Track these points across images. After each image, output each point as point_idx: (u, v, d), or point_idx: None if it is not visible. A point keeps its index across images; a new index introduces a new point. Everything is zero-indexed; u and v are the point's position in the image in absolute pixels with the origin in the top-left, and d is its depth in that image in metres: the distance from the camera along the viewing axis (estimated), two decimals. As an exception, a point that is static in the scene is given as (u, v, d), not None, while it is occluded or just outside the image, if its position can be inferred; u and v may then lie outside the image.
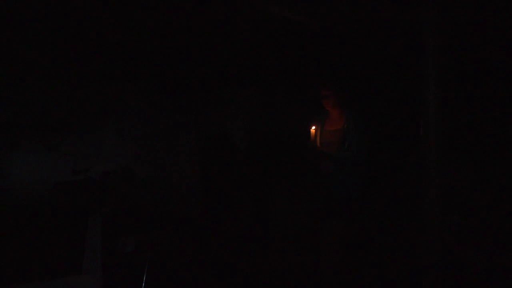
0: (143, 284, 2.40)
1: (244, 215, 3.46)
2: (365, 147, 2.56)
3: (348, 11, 2.56)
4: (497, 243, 2.83)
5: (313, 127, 2.60)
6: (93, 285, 1.93)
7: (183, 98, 3.38)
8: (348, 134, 2.55)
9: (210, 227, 3.28)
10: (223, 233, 3.26)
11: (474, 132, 3.27)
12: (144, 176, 3.05)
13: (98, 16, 2.58)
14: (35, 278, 1.96)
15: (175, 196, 3.13)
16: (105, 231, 2.32)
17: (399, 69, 3.33)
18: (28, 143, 2.72)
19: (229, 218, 3.40)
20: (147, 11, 2.55)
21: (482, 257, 2.77)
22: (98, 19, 2.62)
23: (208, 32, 2.86)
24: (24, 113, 2.72)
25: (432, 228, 1.92)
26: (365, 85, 3.60)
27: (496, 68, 3.13)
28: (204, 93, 3.52)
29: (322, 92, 2.63)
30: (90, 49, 2.88)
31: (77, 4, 2.42)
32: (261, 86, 3.63)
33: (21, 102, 2.71)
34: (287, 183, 3.40)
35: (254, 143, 3.59)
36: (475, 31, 2.76)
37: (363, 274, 2.84)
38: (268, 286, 2.79)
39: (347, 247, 2.57)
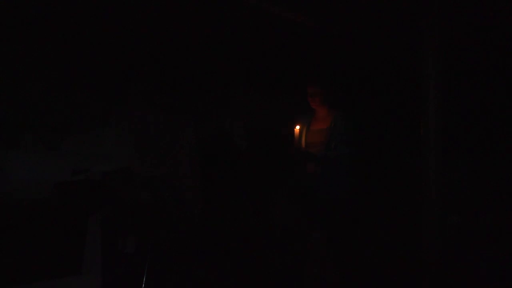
0: (143, 285, 2.40)
1: (244, 215, 3.46)
2: (352, 148, 2.44)
3: (348, 11, 2.56)
4: (497, 243, 2.83)
5: (297, 126, 2.47)
6: (93, 285, 1.93)
7: (183, 98, 3.38)
8: (334, 134, 2.44)
9: (210, 227, 3.27)
10: (223, 233, 3.26)
11: (474, 132, 3.27)
12: (144, 176, 3.05)
13: (98, 15, 2.58)
14: (35, 278, 1.96)
15: (175, 196, 3.12)
16: (105, 231, 2.32)
17: (399, 69, 3.33)
18: (28, 143, 2.72)
19: (229, 218, 3.40)
20: (147, 11, 2.55)
21: (482, 257, 2.77)
22: (98, 18, 2.62)
23: (208, 32, 2.86)
24: (24, 113, 2.72)
25: (432, 228, 1.92)
26: (365, 85, 3.60)
27: (496, 68, 3.13)
28: (204, 93, 3.52)
29: (309, 89, 2.53)
30: (90, 49, 2.88)
31: (77, 3, 2.42)
32: (261, 86, 3.63)
33: (21, 102, 2.71)
34: (287, 183, 3.40)
35: (254, 143, 3.59)
36: (475, 31, 2.76)
37: (363, 274, 2.84)
38: (268, 286, 2.79)
39: (342, 251, 2.51)
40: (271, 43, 3.07)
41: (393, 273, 2.79)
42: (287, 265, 2.97)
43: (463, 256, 2.75)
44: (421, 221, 1.96)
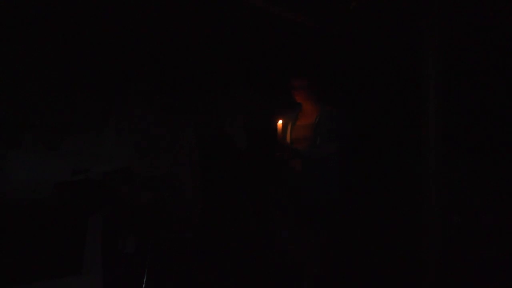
0: (144, 285, 2.40)
1: (244, 215, 3.46)
2: (338, 145, 2.28)
3: (348, 11, 2.56)
4: (497, 243, 2.83)
5: (280, 121, 2.30)
6: (93, 285, 1.93)
7: (183, 98, 3.37)
8: (320, 129, 2.29)
9: (210, 227, 3.27)
10: (223, 233, 3.26)
11: (474, 132, 3.27)
12: (144, 176, 3.05)
13: (98, 15, 2.58)
14: (35, 278, 1.96)
15: (175, 196, 3.12)
16: (105, 231, 2.32)
17: (399, 69, 3.33)
18: (28, 143, 2.72)
19: (229, 218, 3.40)
20: (147, 10, 2.55)
21: (482, 257, 2.77)
22: (98, 18, 2.62)
23: (208, 32, 2.86)
24: (24, 113, 2.72)
25: (432, 228, 1.92)
26: (365, 85, 3.60)
27: (496, 68, 3.13)
28: (204, 93, 3.52)
29: (293, 82, 2.39)
30: (90, 49, 2.88)
31: (77, 3, 2.42)
32: (261, 86, 3.63)
33: (21, 102, 2.71)
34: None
35: (254, 143, 3.59)
36: (475, 31, 2.76)
37: (363, 274, 2.84)
38: (268, 286, 2.79)
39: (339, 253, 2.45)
40: (271, 43, 3.07)
41: (393, 273, 2.79)
42: (287, 265, 2.97)
43: (463, 256, 2.75)
44: (421, 221, 1.96)
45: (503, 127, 3.14)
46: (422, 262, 1.96)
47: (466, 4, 2.34)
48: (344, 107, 2.46)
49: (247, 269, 2.93)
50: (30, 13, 2.51)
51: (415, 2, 2.00)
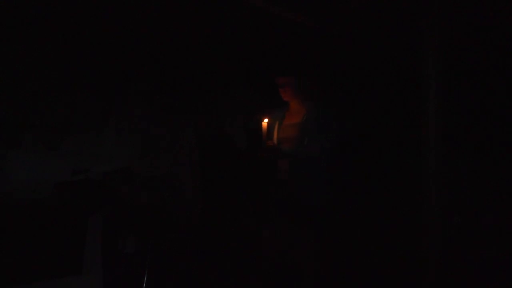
0: (144, 285, 2.40)
1: (244, 215, 3.46)
2: (327, 145, 2.18)
3: (348, 11, 2.56)
4: (497, 243, 2.83)
5: (265, 120, 2.21)
6: (93, 285, 1.93)
7: (183, 98, 3.38)
8: (307, 129, 2.20)
9: (210, 227, 3.28)
10: (223, 233, 3.27)
11: (474, 132, 3.27)
12: (144, 176, 3.05)
13: (98, 15, 2.58)
14: (35, 278, 1.96)
15: (175, 196, 3.12)
16: (105, 231, 2.32)
17: (399, 69, 3.33)
18: (28, 143, 2.72)
19: (229, 218, 3.40)
20: (147, 10, 2.55)
21: (482, 257, 2.76)
22: (98, 18, 2.62)
23: (208, 32, 2.86)
24: (24, 113, 2.72)
25: (432, 228, 1.92)
26: (365, 85, 3.60)
27: (497, 68, 3.13)
28: (204, 93, 3.52)
29: (279, 80, 2.32)
30: (90, 49, 2.88)
31: (77, 3, 2.42)
32: (261, 86, 3.63)
33: (21, 102, 2.71)
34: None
35: (254, 143, 3.59)
36: (475, 31, 2.76)
37: (363, 274, 2.84)
38: (267, 286, 2.78)
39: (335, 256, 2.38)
40: (271, 43, 3.07)
41: (393, 273, 2.79)
42: (286, 265, 2.97)
43: (463, 256, 2.75)
44: (421, 221, 1.96)
45: (503, 127, 3.14)
46: (422, 262, 1.96)
47: (466, 4, 2.34)
48: (334, 105, 2.37)
49: (247, 269, 2.93)
50: (30, 13, 2.51)
51: (415, 2, 2.00)
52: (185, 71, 3.34)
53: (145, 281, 2.41)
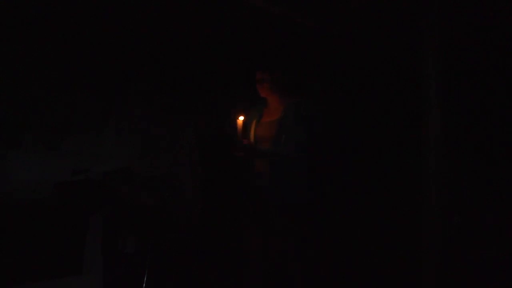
0: (144, 285, 2.40)
1: (244, 215, 3.46)
2: (305, 143, 2.07)
3: (348, 11, 2.56)
4: (497, 243, 2.83)
5: (241, 117, 2.10)
6: (93, 285, 1.93)
7: (183, 98, 3.38)
8: (285, 126, 2.09)
9: (210, 227, 3.27)
10: (223, 233, 3.26)
11: (474, 132, 3.27)
12: (144, 176, 3.05)
13: (98, 15, 2.58)
14: (35, 278, 1.96)
15: (175, 196, 3.12)
16: (105, 231, 2.32)
17: (399, 69, 3.33)
18: (28, 143, 2.72)
19: (229, 218, 3.40)
20: (147, 10, 2.55)
21: (482, 257, 2.76)
22: (98, 18, 2.62)
23: (208, 32, 2.86)
24: (24, 113, 2.72)
25: (432, 228, 1.92)
26: (365, 85, 3.60)
27: (497, 68, 3.13)
28: (204, 93, 3.52)
29: (256, 75, 2.22)
30: (90, 49, 2.88)
31: (77, 3, 2.42)
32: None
33: (21, 102, 2.71)
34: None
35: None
36: (475, 31, 2.76)
37: (363, 274, 2.84)
38: (268, 286, 2.78)
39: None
40: (271, 43, 3.08)
41: (393, 273, 2.79)
42: (286, 265, 2.96)
43: (463, 256, 2.75)
44: (421, 221, 1.96)
45: (503, 127, 3.14)
46: (422, 262, 1.96)
47: (466, 4, 2.34)
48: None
49: (247, 269, 2.92)
50: (30, 13, 2.51)
51: (415, 2, 2.00)
52: (185, 71, 3.34)
53: (145, 281, 2.41)
